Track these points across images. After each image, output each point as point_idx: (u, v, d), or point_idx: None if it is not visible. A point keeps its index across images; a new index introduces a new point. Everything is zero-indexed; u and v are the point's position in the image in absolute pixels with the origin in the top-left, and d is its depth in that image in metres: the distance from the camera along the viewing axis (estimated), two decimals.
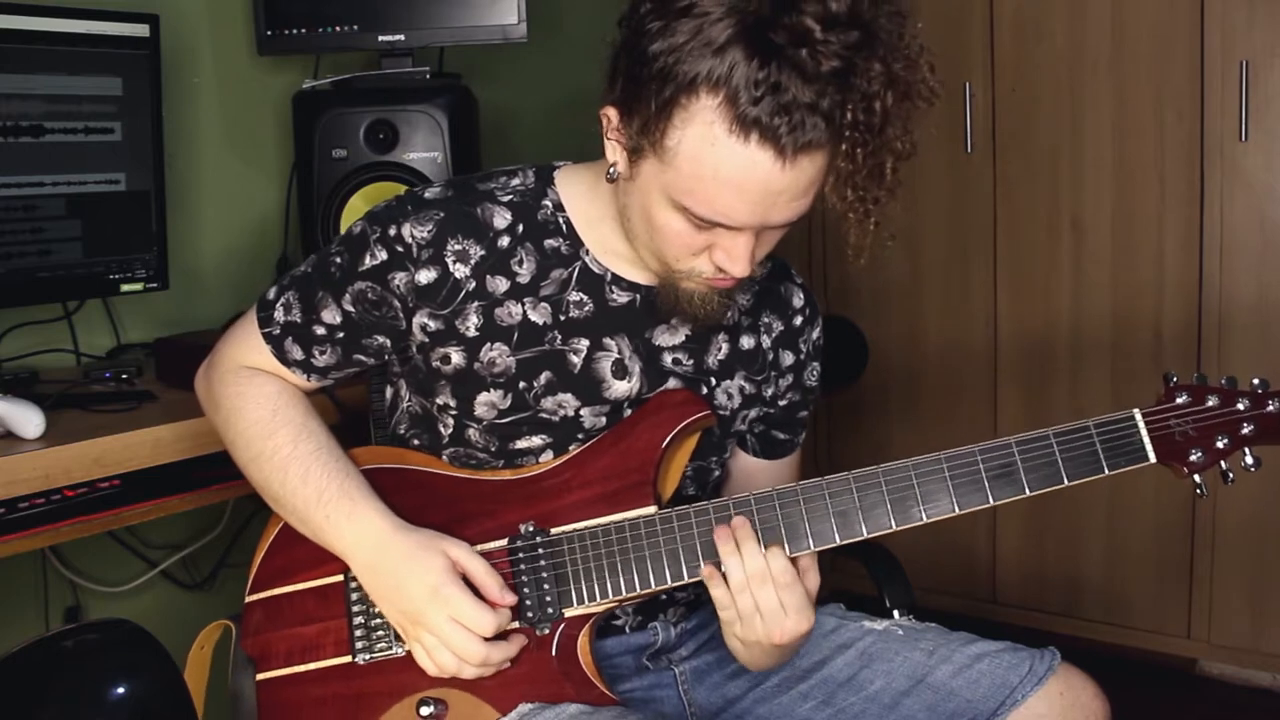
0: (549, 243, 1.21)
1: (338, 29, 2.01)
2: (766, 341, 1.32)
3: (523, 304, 1.20)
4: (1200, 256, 2.29)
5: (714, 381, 1.27)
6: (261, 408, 1.24)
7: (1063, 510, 2.52)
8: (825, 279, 2.79)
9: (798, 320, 1.35)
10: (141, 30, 1.79)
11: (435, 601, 1.14)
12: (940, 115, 2.55)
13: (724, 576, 1.14)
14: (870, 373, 2.77)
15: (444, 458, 1.27)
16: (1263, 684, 2.45)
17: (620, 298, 1.23)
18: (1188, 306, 2.31)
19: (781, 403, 1.36)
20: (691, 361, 1.26)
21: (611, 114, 1.11)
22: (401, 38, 2.02)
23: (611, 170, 1.14)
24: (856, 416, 2.80)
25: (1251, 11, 2.17)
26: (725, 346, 1.28)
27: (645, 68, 1.04)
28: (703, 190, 1.05)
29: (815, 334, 1.37)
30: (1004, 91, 2.48)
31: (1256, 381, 1.14)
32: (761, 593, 1.12)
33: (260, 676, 1.24)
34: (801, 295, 1.36)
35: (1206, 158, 2.26)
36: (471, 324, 1.20)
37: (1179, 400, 1.14)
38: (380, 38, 2.02)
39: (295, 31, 2.00)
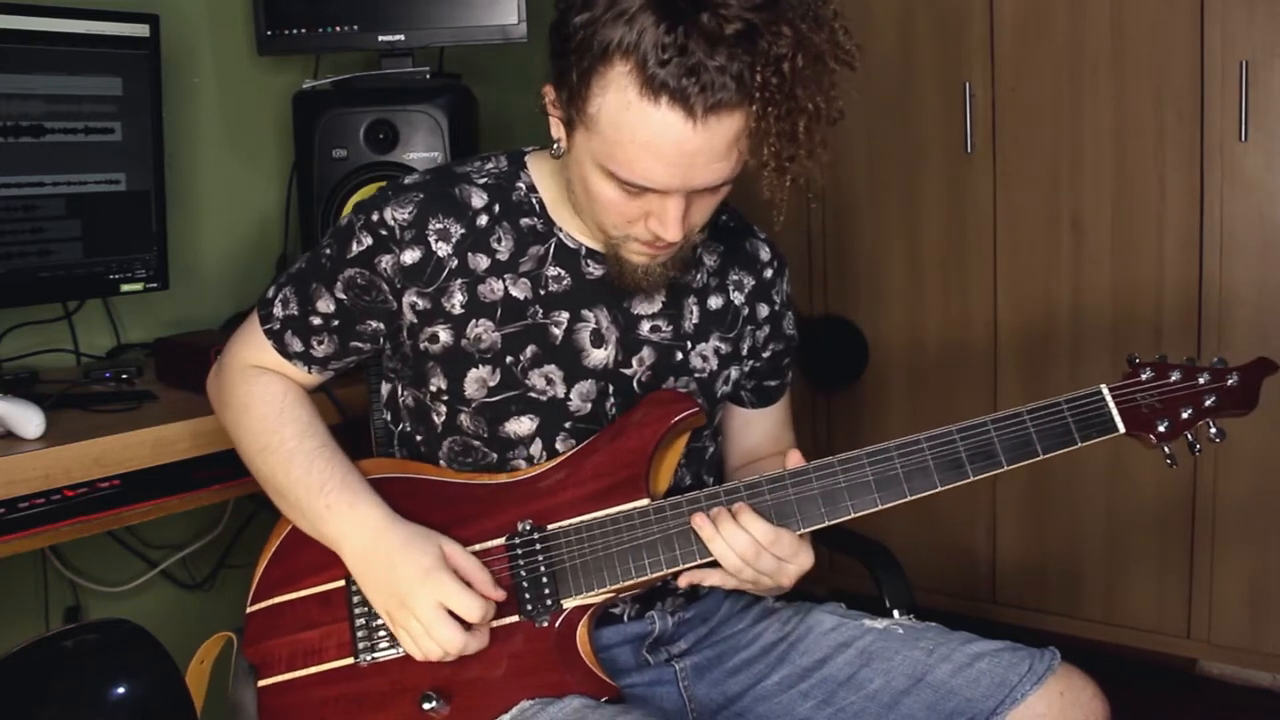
0: (525, 221, 1.25)
1: (338, 29, 2.01)
2: (739, 298, 1.36)
3: (503, 280, 1.24)
4: (1200, 256, 2.29)
5: (689, 345, 1.31)
6: (269, 404, 1.27)
7: (1062, 510, 2.52)
8: (825, 279, 2.79)
9: (768, 273, 1.39)
10: (141, 30, 1.80)
11: (426, 584, 1.16)
12: (940, 115, 2.55)
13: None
14: (870, 373, 2.77)
15: (440, 450, 1.29)
16: (1263, 684, 2.44)
17: (596, 270, 1.26)
18: (1187, 307, 2.31)
19: (765, 354, 1.40)
20: (670, 328, 1.30)
21: (549, 90, 1.15)
22: (401, 38, 2.02)
23: (556, 146, 1.19)
24: (856, 416, 2.80)
25: (1251, 11, 2.17)
26: (696, 309, 1.32)
27: (569, 41, 1.09)
28: (623, 154, 1.09)
29: (785, 284, 1.41)
30: (1004, 91, 2.48)
31: (1216, 359, 1.22)
32: (758, 562, 1.16)
33: (262, 683, 1.24)
34: (768, 249, 1.40)
35: (1206, 158, 2.25)
36: (457, 301, 1.23)
37: (1143, 376, 1.21)
38: (380, 38, 2.02)
39: (295, 31, 2.00)
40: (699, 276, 1.32)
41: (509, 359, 1.24)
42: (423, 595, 1.15)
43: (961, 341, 2.62)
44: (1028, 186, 2.48)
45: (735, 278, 1.36)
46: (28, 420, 1.46)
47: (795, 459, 1.21)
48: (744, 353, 1.37)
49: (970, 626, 1.30)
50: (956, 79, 2.52)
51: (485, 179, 1.27)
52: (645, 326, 1.29)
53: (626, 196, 1.13)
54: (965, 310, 2.61)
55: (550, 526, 1.22)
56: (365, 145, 1.94)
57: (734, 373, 1.36)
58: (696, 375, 1.31)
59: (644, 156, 1.08)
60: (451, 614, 1.16)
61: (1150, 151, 2.32)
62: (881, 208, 2.67)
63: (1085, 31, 2.36)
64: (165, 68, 1.85)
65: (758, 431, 1.45)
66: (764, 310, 1.38)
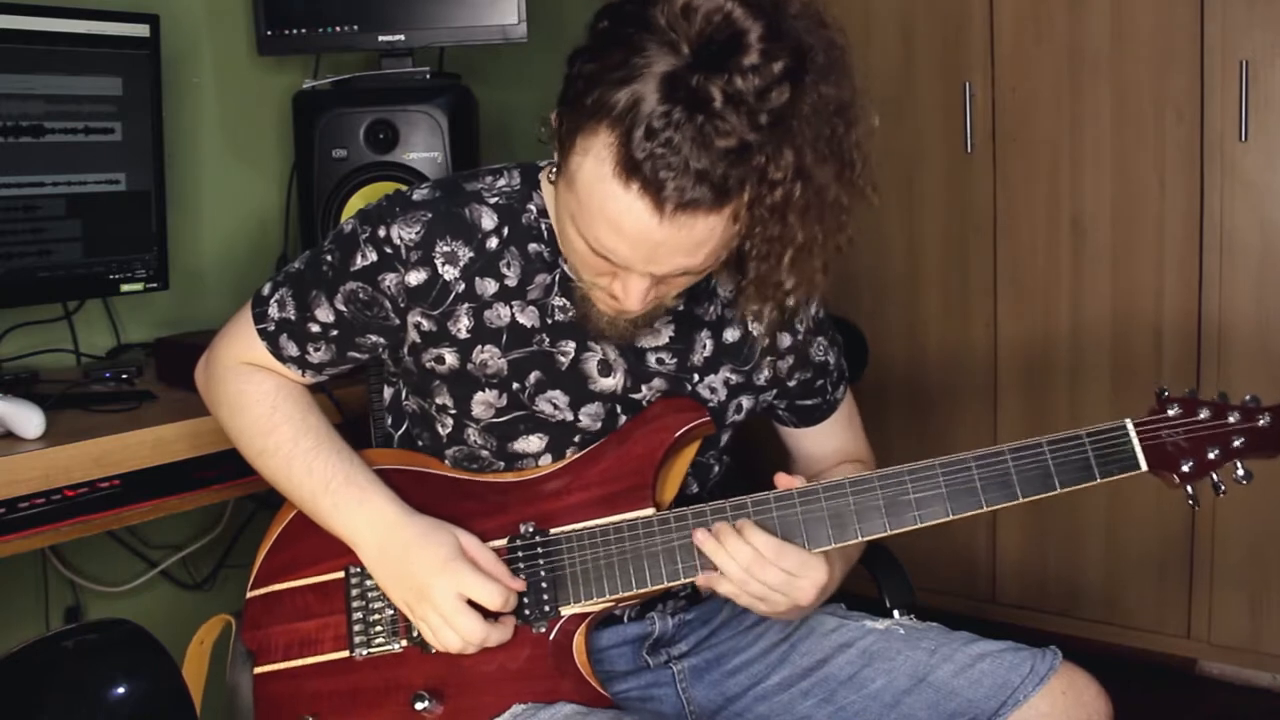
0: (532, 247, 1.22)
1: (338, 29, 2.01)
2: (757, 329, 1.30)
3: (510, 306, 1.21)
4: (1200, 257, 2.29)
5: (696, 378, 1.28)
6: (260, 405, 1.26)
7: (1063, 511, 2.52)
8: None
9: (790, 302, 1.34)
10: (141, 30, 1.80)
11: (444, 574, 1.15)
12: (940, 115, 2.55)
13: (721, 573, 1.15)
14: (870, 373, 2.75)
15: (446, 458, 1.28)
16: (1263, 684, 2.44)
17: None
18: (1187, 307, 2.31)
19: (791, 383, 1.35)
20: (675, 361, 1.27)
21: (553, 120, 1.09)
22: (401, 38, 2.02)
23: (553, 173, 1.13)
24: None
25: (1251, 11, 2.17)
26: (710, 343, 1.28)
27: (572, 86, 1.04)
28: (589, 221, 1.05)
29: (814, 310, 1.35)
30: (1004, 91, 2.48)
31: (1248, 397, 1.16)
32: (763, 574, 1.14)
33: (258, 670, 1.25)
34: None
35: (1206, 158, 2.25)
36: (463, 325, 1.21)
37: (1170, 412, 1.15)
38: (380, 38, 2.02)
39: (295, 31, 2.00)
40: (712, 309, 1.28)
41: (515, 385, 1.22)
42: (441, 586, 1.15)
43: (961, 342, 2.62)
44: (1028, 186, 2.48)
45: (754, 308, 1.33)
46: (28, 420, 1.46)
47: (784, 483, 1.18)
48: (760, 383, 1.32)
49: (970, 626, 1.30)
50: (956, 79, 2.52)
51: (496, 198, 1.21)
52: (651, 359, 1.26)
53: (594, 256, 1.08)
54: (965, 311, 2.61)
55: (553, 531, 1.21)
56: (365, 145, 1.94)
57: (746, 401, 1.32)
58: (708, 407, 1.28)
59: (607, 231, 1.03)
60: (472, 605, 1.15)
61: (1150, 151, 2.32)
62: (881, 207, 2.62)
63: (1085, 31, 2.36)
64: (165, 68, 1.85)
65: (815, 445, 1.42)
66: (786, 340, 1.32)
